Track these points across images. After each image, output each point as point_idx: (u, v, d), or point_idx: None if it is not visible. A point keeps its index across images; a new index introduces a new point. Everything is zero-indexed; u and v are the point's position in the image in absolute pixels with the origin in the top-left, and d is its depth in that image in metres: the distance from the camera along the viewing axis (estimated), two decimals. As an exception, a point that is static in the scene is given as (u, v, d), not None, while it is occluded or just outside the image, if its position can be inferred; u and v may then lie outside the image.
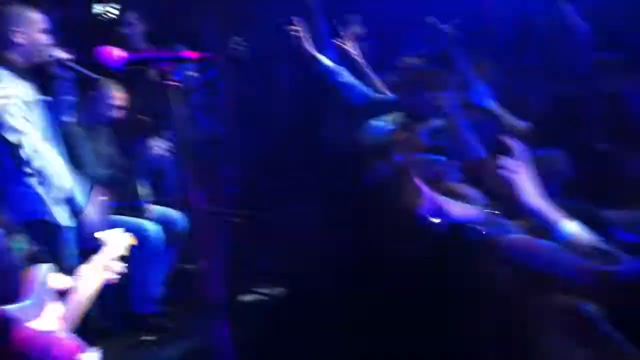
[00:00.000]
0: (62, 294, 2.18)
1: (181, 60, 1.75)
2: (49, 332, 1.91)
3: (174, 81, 1.71)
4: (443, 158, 3.21)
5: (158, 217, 4.16)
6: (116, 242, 2.50)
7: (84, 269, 2.33)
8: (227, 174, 5.24)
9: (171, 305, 4.23)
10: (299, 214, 4.08)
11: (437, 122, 3.55)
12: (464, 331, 2.19)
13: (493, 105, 3.32)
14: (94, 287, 2.30)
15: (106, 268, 2.37)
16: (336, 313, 3.01)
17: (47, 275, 2.10)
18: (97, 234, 2.54)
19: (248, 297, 4.37)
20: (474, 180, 2.43)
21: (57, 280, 2.15)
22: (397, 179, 2.73)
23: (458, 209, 1.79)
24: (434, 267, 2.23)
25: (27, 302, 1.93)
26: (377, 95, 4.42)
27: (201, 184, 1.77)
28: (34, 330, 1.84)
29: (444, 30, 4.10)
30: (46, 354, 1.80)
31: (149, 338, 3.94)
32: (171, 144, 4.62)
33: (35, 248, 2.25)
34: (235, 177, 4.41)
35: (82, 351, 1.95)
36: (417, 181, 2.02)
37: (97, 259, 2.37)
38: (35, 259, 2.15)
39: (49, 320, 2.00)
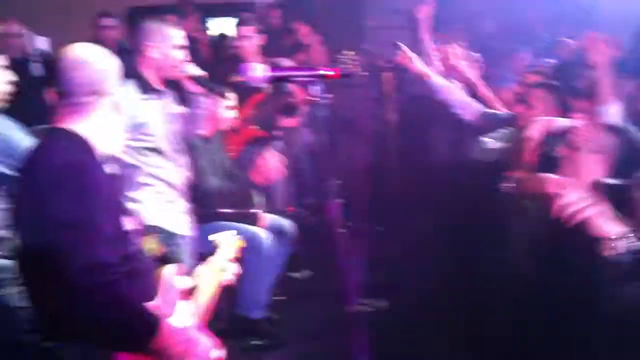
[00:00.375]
0: (186, 294, 2.28)
1: (321, 77, 1.80)
2: (186, 329, 1.97)
3: (312, 97, 1.76)
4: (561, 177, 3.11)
5: (269, 225, 4.27)
6: (229, 245, 2.56)
7: (202, 270, 2.39)
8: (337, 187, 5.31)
9: (279, 312, 4.33)
10: (412, 228, 4.07)
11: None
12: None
13: (626, 123, 3.17)
14: (214, 288, 2.36)
15: (222, 270, 2.42)
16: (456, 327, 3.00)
17: (175, 275, 2.17)
18: (210, 237, 2.64)
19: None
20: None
21: (181, 280, 2.25)
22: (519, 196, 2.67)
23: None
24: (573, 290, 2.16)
25: (160, 300, 2.00)
26: (489, 111, 4.37)
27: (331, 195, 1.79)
28: (174, 327, 1.90)
29: (569, 45, 3.98)
30: (186, 348, 1.86)
31: (257, 343, 4.05)
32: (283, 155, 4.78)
33: (164, 249, 2.30)
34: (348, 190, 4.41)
35: (217, 347, 2.02)
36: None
37: (213, 261, 2.43)
38: (164, 260, 2.21)
39: (181, 318, 2.07)
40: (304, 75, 1.79)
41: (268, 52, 4.83)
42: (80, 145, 1.85)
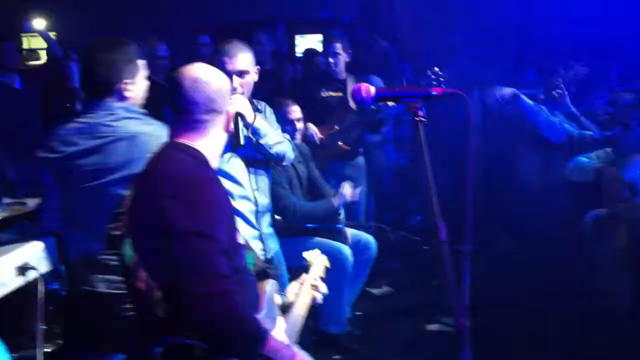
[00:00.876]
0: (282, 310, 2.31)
1: (429, 97, 1.82)
2: (288, 345, 2.01)
3: (421, 117, 1.78)
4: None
5: (352, 240, 4.29)
6: (319, 264, 2.59)
7: (294, 287, 2.42)
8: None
9: (359, 328, 4.34)
10: (500, 248, 4.02)
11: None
12: None
13: None
14: (307, 305, 2.37)
15: (313, 288, 2.44)
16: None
17: (274, 290, 2.20)
18: (304, 254, 2.67)
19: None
20: None
21: (277, 296, 2.26)
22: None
23: None
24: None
25: (263, 314, 2.04)
26: (580, 132, 4.26)
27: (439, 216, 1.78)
28: (280, 340, 1.94)
29: None
30: None
31: (337, 358, 4.07)
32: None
33: (263, 264, 2.34)
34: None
35: None
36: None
37: (306, 278, 2.45)
38: (262, 275, 2.24)
39: (281, 333, 2.10)
40: (412, 96, 1.81)
41: (353, 69, 4.88)
42: (199, 159, 1.93)
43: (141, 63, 2.55)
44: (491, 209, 4.36)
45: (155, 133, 2.39)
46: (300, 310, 2.31)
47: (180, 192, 1.77)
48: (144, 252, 1.83)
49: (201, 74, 1.97)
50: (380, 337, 4.32)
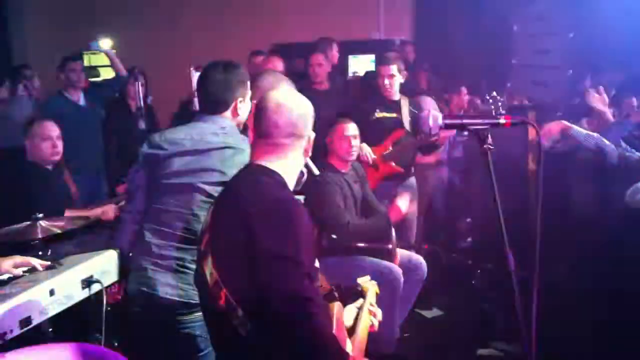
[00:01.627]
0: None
1: (497, 125, 1.82)
2: None
3: (489, 145, 1.78)
4: None
5: (403, 260, 4.28)
6: (372, 289, 2.60)
7: (353, 310, 2.43)
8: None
9: (408, 349, 4.31)
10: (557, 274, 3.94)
11: None
12: None
13: None
14: (367, 329, 2.37)
15: (371, 313, 2.45)
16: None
17: (341, 313, 2.22)
18: (358, 280, 2.66)
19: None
20: None
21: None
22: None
23: None
24: None
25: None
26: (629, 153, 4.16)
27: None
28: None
29: None
30: None
31: (386, 378, 4.06)
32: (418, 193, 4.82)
33: (329, 286, 2.31)
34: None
35: None
36: None
37: (363, 303, 2.46)
38: (330, 296, 2.24)
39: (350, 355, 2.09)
40: (479, 124, 1.81)
41: (406, 90, 4.90)
42: (281, 182, 1.97)
43: (248, 84, 2.71)
44: (548, 236, 4.30)
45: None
46: (363, 333, 2.32)
47: (269, 215, 1.79)
48: (227, 271, 1.85)
49: (284, 99, 2.02)
50: (429, 358, 4.29)
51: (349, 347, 2.14)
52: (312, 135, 2.06)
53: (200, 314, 2.53)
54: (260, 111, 2.01)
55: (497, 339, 4.29)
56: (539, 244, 1.90)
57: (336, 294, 2.25)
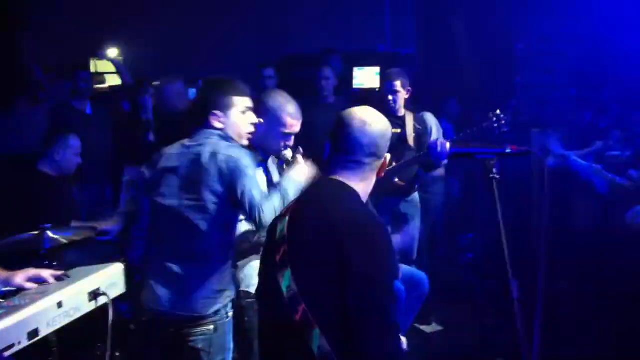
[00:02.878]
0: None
1: (503, 154, 1.85)
2: None
3: (495, 175, 1.81)
4: None
5: (403, 274, 4.28)
6: None
7: None
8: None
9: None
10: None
11: None
12: None
13: None
14: None
15: None
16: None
17: None
18: None
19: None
20: None
21: None
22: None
23: None
24: None
25: None
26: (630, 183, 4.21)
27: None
28: None
29: None
30: None
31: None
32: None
33: None
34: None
35: None
36: None
37: None
38: None
39: None
40: (486, 153, 1.85)
41: (411, 105, 4.91)
42: (361, 201, 1.98)
43: (238, 100, 2.75)
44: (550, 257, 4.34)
45: (236, 156, 2.59)
46: None
47: (362, 236, 1.81)
48: (309, 286, 1.85)
49: (370, 118, 2.05)
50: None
51: None
52: (389, 156, 2.08)
53: (204, 328, 2.58)
54: (344, 127, 2.02)
55: (496, 357, 4.30)
56: (543, 268, 1.93)
57: None
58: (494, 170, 1.82)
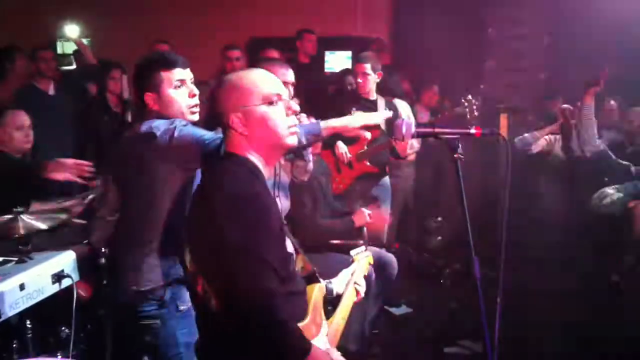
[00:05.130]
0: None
1: (468, 135, 1.86)
2: (329, 351, 2.05)
3: (459, 155, 1.82)
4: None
5: (374, 259, 4.30)
6: (364, 262, 2.63)
7: (346, 276, 2.45)
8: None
9: (377, 346, 4.37)
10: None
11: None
12: None
13: None
14: (349, 307, 2.40)
15: (357, 288, 2.46)
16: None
17: (322, 294, 2.23)
18: (351, 252, 2.70)
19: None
20: None
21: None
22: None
23: None
24: None
25: (308, 321, 2.07)
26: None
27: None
28: (322, 350, 1.98)
29: None
30: None
31: (355, 375, 4.10)
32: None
33: (312, 267, 2.31)
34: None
35: None
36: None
37: (351, 278, 2.47)
38: (311, 279, 2.25)
39: (324, 339, 2.15)
40: (450, 133, 1.86)
41: (382, 89, 4.92)
42: (250, 171, 1.93)
43: (165, 74, 2.51)
44: (515, 239, 4.40)
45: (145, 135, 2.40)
46: (342, 313, 2.36)
47: (230, 210, 1.80)
48: (201, 262, 1.90)
49: (231, 76, 2.00)
50: (398, 356, 4.35)
51: (323, 331, 2.17)
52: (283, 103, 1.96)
53: (156, 302, 2.52)
54: (212, 95, 2.00)
55: (463, 337, 4.37)
56: (504, 247, 1.96)
57: (317, 275, 2.26)
58: (459, 150, 1.83)
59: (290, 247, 2.11)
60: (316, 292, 2.18)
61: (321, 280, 2.28)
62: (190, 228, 1.94)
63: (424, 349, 4.41)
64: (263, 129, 1.92)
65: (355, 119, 2.81)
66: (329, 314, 2.30)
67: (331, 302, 2.36)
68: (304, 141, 2.59)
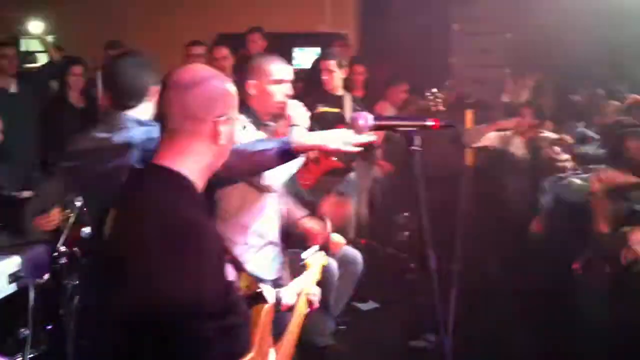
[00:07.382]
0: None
1: (425, 127, 1.87)
2: None
3: (416, 147, 1.83)
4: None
5: (340, 254, 4.30)
6: (317, 266, 2.58)
7: (289, 295, 2.35)
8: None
9: (343, 341, 4.37)
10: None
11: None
12: None
13: None
14: (301, 320, 2.35)
15: (308, 294, 2.41)
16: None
17: (269, 319, 2.06)
18: (303, 255, 2.63)
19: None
20: None
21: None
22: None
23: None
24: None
25: (254, 354, 1.88)
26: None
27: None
28: None
29: None
30: None
31: (322, 371, 4.10)
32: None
33: (257, 289, 2.18)
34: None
35: None
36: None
37: (300, 283, 2.42)
38: (257, 299, 2.10)
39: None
40: (408, 125, 1.86)
41: (348, 86, 4.92)
42: (181, 187, 1.64)
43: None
44: (480, 230, 4.44)
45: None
46: (293, 327, 2.30)
47: (162, 245, 1.53)
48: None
49: (183, 76, 1.68)
50: (364, 351, 4.35)
51: (272, 357, 2.07)
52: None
53: None
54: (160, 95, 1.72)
55: (428, 332, 4.40)
56: (461, 243, 1.97)
57: (265, 296, 2.11)
58: (415, 143, 1.83)
59: (231, 272, 1.99)
60: (263, 317, 2.00)
61: (268, 296, 2.12)
62: (109, 245, 1.69)
63: (389, 343, 4.43)
64: (230, 143, 1.73)
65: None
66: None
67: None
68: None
